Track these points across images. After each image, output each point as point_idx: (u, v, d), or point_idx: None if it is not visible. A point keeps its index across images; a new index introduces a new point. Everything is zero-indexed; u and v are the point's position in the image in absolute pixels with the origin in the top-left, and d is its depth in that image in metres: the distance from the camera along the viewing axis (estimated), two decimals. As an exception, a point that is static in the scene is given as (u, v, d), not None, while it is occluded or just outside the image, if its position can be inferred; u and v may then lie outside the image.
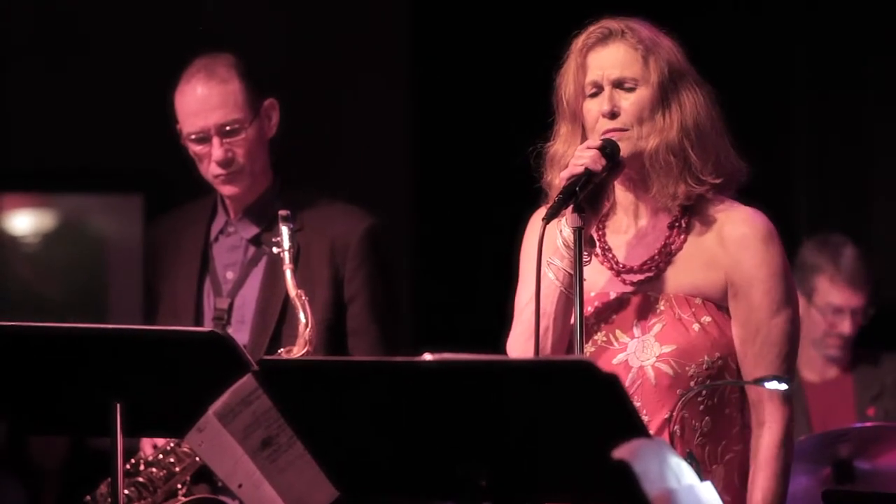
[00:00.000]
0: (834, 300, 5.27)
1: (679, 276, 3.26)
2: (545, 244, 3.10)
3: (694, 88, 3.25)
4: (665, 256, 3.27)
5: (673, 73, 3.23)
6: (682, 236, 3.28)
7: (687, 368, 3.21)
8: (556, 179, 3.22)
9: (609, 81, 3.23)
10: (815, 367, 5.33)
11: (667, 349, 3.22)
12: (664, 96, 3.23)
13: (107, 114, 5.88)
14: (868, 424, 4.92)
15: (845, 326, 5.28)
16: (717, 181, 3.24)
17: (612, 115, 3.22)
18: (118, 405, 3.15)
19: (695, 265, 3.26)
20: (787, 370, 3.23)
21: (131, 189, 6.01)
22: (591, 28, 3.27)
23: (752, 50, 5.58)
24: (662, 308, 3.25)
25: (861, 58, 5.68)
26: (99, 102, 5.88)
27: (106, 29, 5.91)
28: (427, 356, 2.56)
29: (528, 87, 5.62)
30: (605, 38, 3.25)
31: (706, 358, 3.22)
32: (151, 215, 5.69)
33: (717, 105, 3.27)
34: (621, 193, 3.31)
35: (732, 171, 3.27)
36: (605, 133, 3.22)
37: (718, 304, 3.25)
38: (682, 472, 2.46)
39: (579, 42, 3.27)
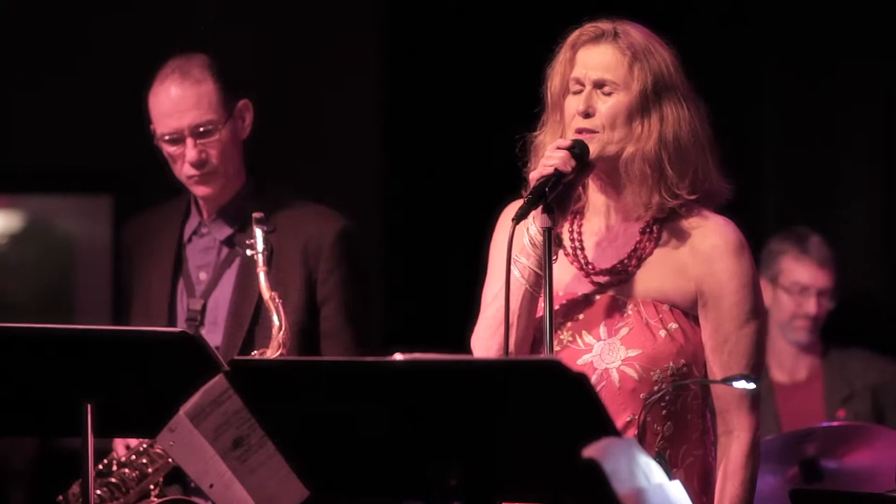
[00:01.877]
0: (800, 278, 5.29)
1: (648, 281, 3.28)
2: (513, 242, 3.13)
3: (680, 103, 3.25)
4: (635, 260, 3.29)
5: (658, 83, 3.24)
6: (653, 242, 3.29)
7: (652, 373, 3.23)
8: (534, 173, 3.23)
9: (590, 81, 3.25)
10: (784, 367, 5.35)
11: (633, 353, 3.24)
12: (644, 105, 3.23)
13: (76, 114, 5.86)
14: (834, 424, 4.95)
15: (811, 305, 5.31)
16: (692, 197, 3.26)
17: (586, 114, 3.24)
18: (89, 406, 3.15)
19: (665, 271, 3.28)
20: (755, 378, 3.26)
21: (100, 190, 5.99)
22: (586, 26, 3.29)
23: (721, 59, 5.61)
24: (630, 312, 3.27)
25: (829, 61, 5.72)
26: (67, 103, 5.86)
27: (75, 30, 5.90)
28: (397, 356, 2.57)
29: (498, 87, 5.67)
30: (597, 38, 3.27)
31: (671, 364, 3.24)
32: (120, 216, 5.68)
33: (704, 123, 3.28)
34: (594, 195, 3.33)
35: (712, 189, 3.28)
36: (576, 132, 3.24)
37: (686, 311, 3.27)
38: (651, 472, 2.48)
39: (571, 38, 3.29)
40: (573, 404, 2.50)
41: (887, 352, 5.48)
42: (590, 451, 2.41)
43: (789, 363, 5.36)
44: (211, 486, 2.93)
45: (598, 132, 3.23)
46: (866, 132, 5.70)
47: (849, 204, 5.73)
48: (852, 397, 5.31)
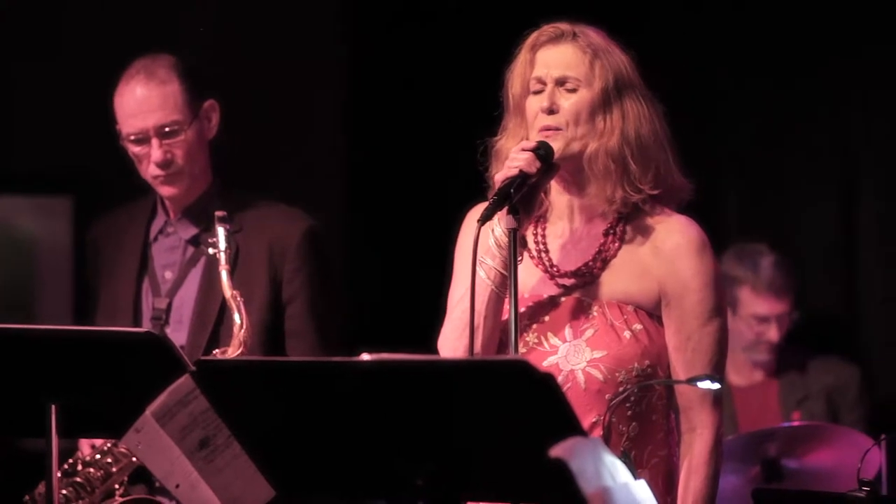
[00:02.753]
0: (758, 310, 5.32)
1: (613, 283, 3.30)
2: (478, 243, 3.14)
3: (640, 100, 3.29)
4: (599, 262, 3.31)
5: (619, 81, 3.27)
6: (617, 243, 3.32)
7: (617, 374, 3.25)
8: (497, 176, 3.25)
9: (552, 79, 3.28)
10: (742, 372, 5.38)
11: (598, 354, 3.26)
12: (606, 102, 3.26)
13: (35, 114, 5.83)
14: (795, 423, 4.99)
15: (772, 334, 5.33)
16: (655, 192, 3.28)
17: (550, 111, 3.26)
18: (53, 406, 3.14)
19: (628, 273, 3.30)
20: (719, 375, 3.28)
21: (60, 191, 5.96)
22: (545, 27, 3.31)
23: (678, 61, 5.65)
24: (595, 314, 3.29)
25: (785, 66, 5.76)
26: (27, 103, 5.83)
27: (34, 29, 5.87)
28: (365, 356, 2.58)
29: (462, 89, 5.68)
30: (556, 38, 3.30)
31: (636, 365, 3.26)
32: (81, 217, 5.66)
33: (662, 121, 3.31)
34: (557, 196, 3.35)
35: (673, 185, 3.31)
36: (541, 129, 3.26)
37: (650, 312, 3.30)
38: (616, 471, 2.50)
39: (530, 39, 3.32)
40: (540, 404, 2.52)
41: (842, 354, 5.52)
42: (556, 451, 2.43)
43: (746, 367, 5.39)
44: (177, 486, 2.93)
45: (562, 129, 3.25)
46: (825, 136, 5.73)
47: (807, 207, 5.77)
48: (807, 399, 5.34)
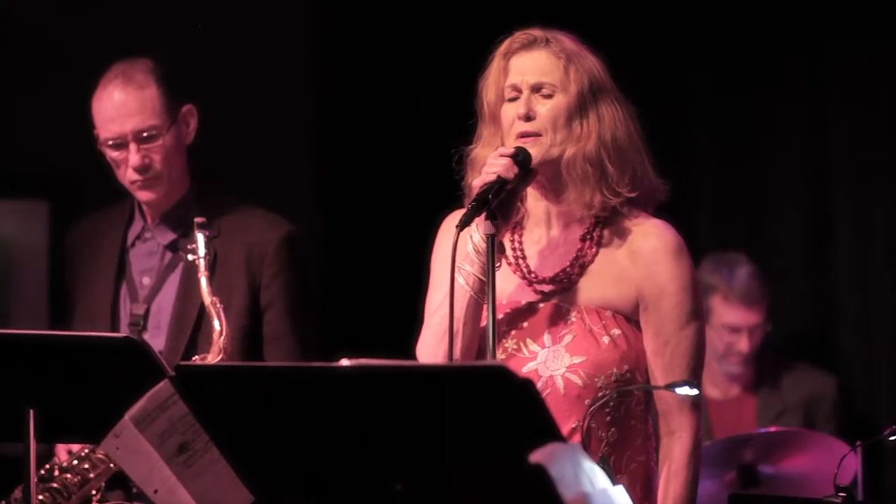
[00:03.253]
0: (730, 320, 5.32)
1: (591, 289, 3.31)
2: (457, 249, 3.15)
3: (614, 104, 3.30)
4: (577, 268, 3.32)
5: (593, 85, 3.29)
6: (595, 248, 3.33)
7: (596, 380, 3.26)
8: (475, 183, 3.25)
9: (528, 86, 3.28)
10: (718, 384, 5.39)
11: (577, 360, 3.27)
12: (582, 106, 3.28)
13: (11, 118, 5.82)
14: (771, 430, 5.00)
15: (743, 345, 5.34)
16: (633, 194, 3.30)
17: (527, 118, 3.27)
18: (31, 411, 3.14)
19: (606, 278, 3.31)
20: (696, 379, 3.29)
21: (36, 194, 5.95)
22: (517, 34, 3.32)
23: (655, 69, 5.67)
24: (574, 319, 3.29)
25: (759, 76, 5.79)
26: (3, 107, 5.82)
27: (10, 34, 5.85)
28: (344, 361, 2.58)
29: (434, 91, 5.69)
30: (529, 45, 3.30)
31: (615, 370, 3.27)
32: (57, 221, 5.65)
33: (636, 122, 3.33)
34: (534, 203, 3.36)
35: (650, 187, 3.33)
36: (518, 136, 3.27)
37: (628, 317, 3.30)
38: (595, 476, 2.51)
39: (503, 46, 3.33)
40: (519, 410, 2.52)
41: (818, 364, 5.54)
42: (536, 457, 2.44)
43: (722, 379, 5.39)
44: (155, 491, 2.93)
45: (540, 135, 3.26)
46: (802, 145, 5.76)
47: (781, 215, 5.79)
48: (785, 413, 5.35)
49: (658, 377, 3.28)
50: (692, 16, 5.82)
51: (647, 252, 3.30)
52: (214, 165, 4.39)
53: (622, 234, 3.31)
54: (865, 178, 5.62)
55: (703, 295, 5.19)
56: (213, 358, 3.89)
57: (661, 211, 3.39)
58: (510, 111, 3.29)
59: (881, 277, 5.56)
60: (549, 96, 3.28)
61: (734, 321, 5.31)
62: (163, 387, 2.90)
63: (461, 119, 3.40)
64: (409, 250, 3.87)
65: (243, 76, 5.81)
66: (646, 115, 3.36)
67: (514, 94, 3.29)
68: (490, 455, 2.59)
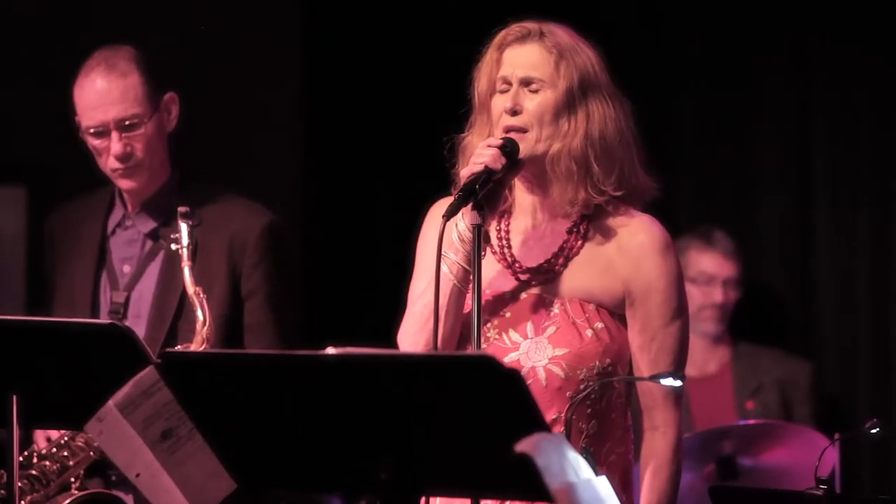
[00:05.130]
0: (706, 268, 5.40)
1: (575, 281, 3.31)
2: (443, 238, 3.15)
3: (605, 101, 3.29)
4: (562, 260, 3.32)
5: (584, 81, 3.28)
6: (580, 241, 3.33)
7: (578, 372, 3.26)
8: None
9: (517, 79, 3.28)
10: (695, 361, 5.42)
11: (559, 352, 3.27)
12: (571, 103, 3.27)
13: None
14: (750, 422, 5.03)
15: (717, 295, 5.41)
16: (618, 193, 3.29)
17: (514, 112, 3.27)
18: (15, 397, 3.13)
19: (591, 271, 3.31)
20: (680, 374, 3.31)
21: (14, 181, 5.93)
22: (513, 26, 3.32)
23: (642, 55, 5.68)
24: (557, 311, 3.29)
25: (745, 59, 5.80)
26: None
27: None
28: (330, 350, 2.58)
29: (421, 80, 5.69)
30: (523, 38, 3.30)
31: (597, 364, 3.27)
32: (35, 208, 5.63)
33: (629, 120, 3.32)
34: (521, 194, 3.36)
35: (638, 186, 3.32)
36: (504, 129, 3.27)
37: (612, 310, 3.31)
38: (580, 467, 2.52)
39: (498, 38, 3.32)
40: (505, 400, 2.53)
41: (794, 349, 5.59)
42: (522, 447, 2.44)
43: (699, 357, 5.43)
44: (137, 475, 2.92)
45: (526, 130, 3.26)
46: (781, 131, 5.78)
47: (762, 202, 5.82)
48: (761, 389, 5.40)
49: (644, 372, 3.29)
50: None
51: (634, 247, 3.30)
52: (197, 153, 4.38)
53: (609, 229, 3.31)
54: (847, 163, 5.65)
55: (679, 255, 5.29)
56: (196, 347, 3.87)
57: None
58: (499, 104, 3.29)
59: (862, 264, 5.60)
60: (537, 91, 3.28)
61: (710, 268, 5.40)
62: (147, 373, 2.89)
63: (450, 107, 3.41)
64: (394, 238, 3.87)
65: (227, 63, 5.80)
66: (632, 101, 3.36)
67: (504, 86, 3.30)
68: (476, 444, 2.59)
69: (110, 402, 2.88)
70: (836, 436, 3.78)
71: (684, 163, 5.86)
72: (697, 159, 5.90)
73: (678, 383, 3.23)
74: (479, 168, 3.19)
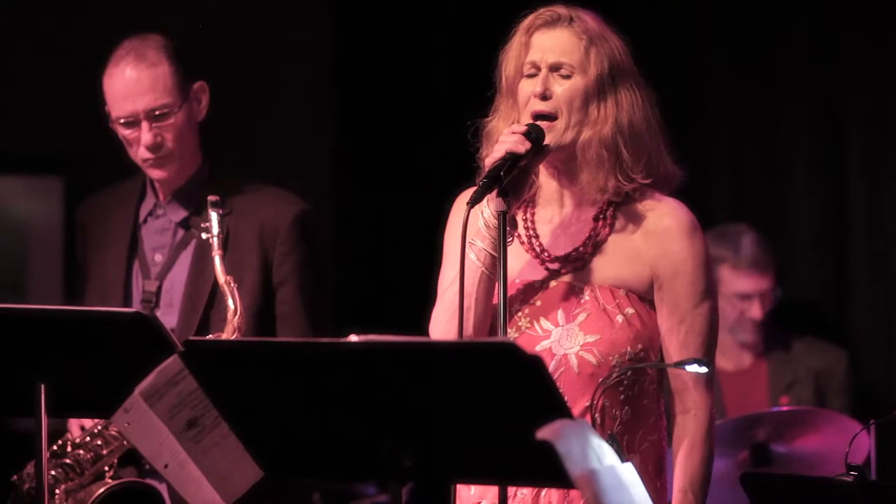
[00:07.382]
0: (740, 288, 5.34)
1: (604, 268, 3.30)
2: (468, 226, 3.14)
3: (633, 89, 3.28)
4: (591, 247, 3.31)
5: (613, 69, 3.27)
6: (608, 228, 3.31)
7: (610, 359, 3.25)
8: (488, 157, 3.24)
9: (547, 64, 3.27)
10: (729, 356, 5.39)
11: (591, 339, 3.26)
12: (601, 90, 3.26)
13: (27, 96, 5.83)
14: (784, 409, 5.00)
15: (755, 311, 5.36)
16: (647, 181, 3.28)
17: (543, 97, 3.26)
18: (42, 386, 3.15)
19: (620, 257, 3.30)
20: (710, 357, 3.29)
21: (52, 172, 5.96)
22: (541, 10, 3.30)
23: (670, 44, 5.65)
24: (587, 298, 3.28)
25: (771, 49, 5.77)
26: (19, 84, 5.83)
27: (25, 12, 5.86)
28: (353, 337, 2.58)
29: (452, 69, 5.68)
30: (553, 22, 3.29)
31: (629, 349, 3.26)
32: (72, 198, 5.67)
33: (655, 109, 3.31)
34: (546, 182, 3.35)
35: (665, 173, 3.31)
36: (533, 114, 3.25)
37: (642, 296, 3.30)
38: (603, 453, 2.50)
39: (526, 22, 3.31)
40: (528, 387, 2.52)
41: (830, 339, 5.54)
42: (544, 433, 2.43)
43: (734, 352, 5.40)
44: (165, 466, 2.93)
45: (555, 115, 3.25)
46: (817, 121, 5.74)
47: (797, 191, 5.78)
48: (795, 384, 5.36)
49: (673, 355, 3.27)
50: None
51: (661, 231, 3.29)
52: (228, 142, 4.39)
53: (636, 215, 3.30)
54: (882, 153, 5.60)
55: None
56: (227, 336, 3.87)
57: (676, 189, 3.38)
58: (527, 88, 3.27)
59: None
60: (568, 77, 3.26)
61: (745, 289, 5.34)
62: (172, 362, 2.90)
63: (477, 95, 3.39)
64: (422, 227, 3.86)
65: (256, 50, 5.81)
66: (657, 90, 3.34)
67: (532, 70, 3.28)
68: (498, 431, 2.59)
69: (136, 392, 2.89)
70: (871, 422, 3.74)
71: (717, 153, 5.82)
72: (730, 149, 5.86)
73: (703, 370, 3.21)
74: (503, 154, 3.18)
